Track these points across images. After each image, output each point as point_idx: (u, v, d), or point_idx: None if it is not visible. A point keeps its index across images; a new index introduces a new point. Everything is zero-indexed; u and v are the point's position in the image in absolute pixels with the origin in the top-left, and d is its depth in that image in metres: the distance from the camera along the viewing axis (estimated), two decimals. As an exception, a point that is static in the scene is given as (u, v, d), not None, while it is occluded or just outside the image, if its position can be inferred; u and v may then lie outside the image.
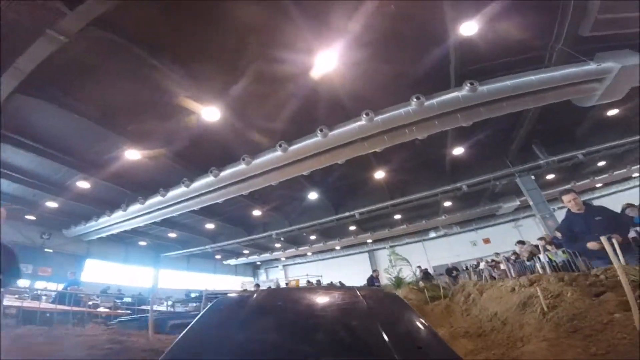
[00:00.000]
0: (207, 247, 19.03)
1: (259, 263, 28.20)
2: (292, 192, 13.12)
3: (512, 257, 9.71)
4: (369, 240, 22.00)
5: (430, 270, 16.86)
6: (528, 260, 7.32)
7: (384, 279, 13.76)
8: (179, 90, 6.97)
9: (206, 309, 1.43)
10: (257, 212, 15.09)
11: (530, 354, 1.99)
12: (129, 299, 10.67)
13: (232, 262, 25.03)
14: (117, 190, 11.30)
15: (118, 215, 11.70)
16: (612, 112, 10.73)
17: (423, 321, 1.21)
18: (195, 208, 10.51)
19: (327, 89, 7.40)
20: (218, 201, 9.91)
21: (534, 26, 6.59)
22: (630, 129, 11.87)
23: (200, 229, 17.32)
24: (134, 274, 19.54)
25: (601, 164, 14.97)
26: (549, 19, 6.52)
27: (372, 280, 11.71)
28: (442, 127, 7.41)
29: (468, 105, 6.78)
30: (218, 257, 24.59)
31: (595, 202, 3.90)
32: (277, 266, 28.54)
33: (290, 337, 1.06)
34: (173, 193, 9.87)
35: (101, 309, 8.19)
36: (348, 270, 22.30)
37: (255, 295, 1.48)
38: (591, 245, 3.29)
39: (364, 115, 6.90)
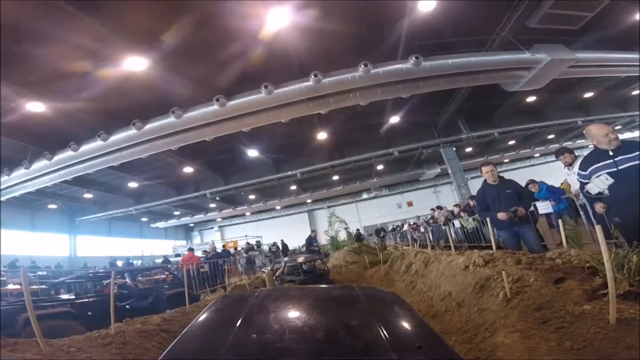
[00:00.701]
0: (130, 209, 17.19)
1: (192, 225, 26.93)
2: (229, 149, 12.41)
3: (430, 221, 11.00)
4: (309, 201, 22.66)
5: (362, 230, 18.40)
6: (444, 225, 8.32)
7: (323, 240, 14.60)
8: (95, 35, 5.74)
9: (206, 307, 1.42)
10: (188, 169, 13.94)
11: (505, 347, 1.85)
12: (43, 272, 9.08)
13: (162, 224, 23.34)
14: (18, 146, 9.22)
15: (20, 173, 9.66)
16: (531, 99, 12.46)
17: (422, 320, 1.24)
18: (114, 164, 9.21)
19: (277, 47, 6.92)
20: (142, 156, 8.83)
21: (488, 11, 6.90)
22: (538, 116, 14.22)
23: (122, 188, 15.46)
24: (47, 242, 16.84)
25: (511, 142, 17.75)
26: (503, 5, 6.87)
27: (311, 240, 12.24)
28: (383, 95, 7.67)
29: (410, 78, 7.04)
30: (145, 219, 22.60)
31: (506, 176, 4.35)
32: (213, 227, 27.73)
33: (289, 336, 1.05)
34: (87, 147, 8.42)
35: (10, 286, 6.86)
36: (287, 230, 22.89)
37: (256, 295, 1.51)
38: (500, 215, 3.71)
39: (313, 76, 6.67)
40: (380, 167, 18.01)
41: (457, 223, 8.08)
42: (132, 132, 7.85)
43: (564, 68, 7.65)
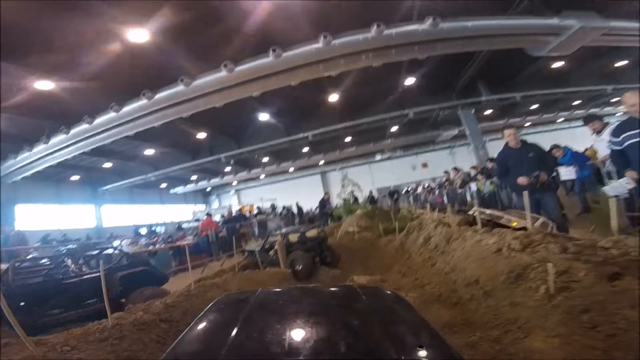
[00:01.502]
0: (149, 175, 17.73)
1: (209, 189, 27.73)
2: (240, 113, 12.33)
3: (446, 184, 10.74)
4: (321, 162, 22.68)
5: (375, 192, 18.45)
6: (460, 187, 8.12)
7: (337, 203, 14.85)
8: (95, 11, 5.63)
9: (207, 308, 1.43)
10: (201, 135, 14.17)
11: (541, 353, 1.60)
12: (73, 246, 9.57)
13: (180, 190, 24.09)
14: (33, 124, 9.56)
15: (40, 149, 10.10)
16: (557, 64, 11.46)
17: (424, 320, 1.23)
18: (129, 133, 9.41)
19: (286, 8, 6.54)
20: (155, 125, 8.96)
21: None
22: (564, 82, 13.16)
23: (139, 155, 15.86)
24: (74, 214, 17.68)
25: (534, 107, 16.67)
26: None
27: (324, 202, 12.43)
28: (398, 57, 7.28)
29: (426, 39, 6.62)
30: (163, 185, 23.40)
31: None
32: (230, 191, 28.47)
33: (290, 336, 1.05)
34: (101, 119, 8.64)
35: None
36: (301, 192, 23.20)
37: (256, 294, 1.50)
38: (520, 180, 3.59)
39: (322, 38, 6.32)
40: (394, 128, 17.47)
41: (473, 186, 7.92)
42: (143, 102, 7.90)
43: (595, 36, 6.98)
